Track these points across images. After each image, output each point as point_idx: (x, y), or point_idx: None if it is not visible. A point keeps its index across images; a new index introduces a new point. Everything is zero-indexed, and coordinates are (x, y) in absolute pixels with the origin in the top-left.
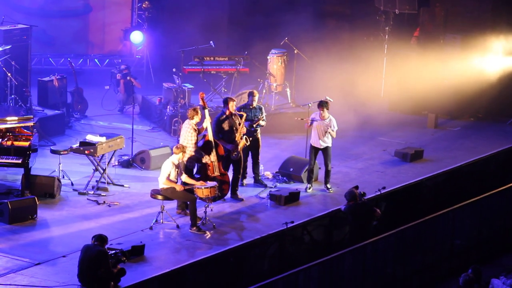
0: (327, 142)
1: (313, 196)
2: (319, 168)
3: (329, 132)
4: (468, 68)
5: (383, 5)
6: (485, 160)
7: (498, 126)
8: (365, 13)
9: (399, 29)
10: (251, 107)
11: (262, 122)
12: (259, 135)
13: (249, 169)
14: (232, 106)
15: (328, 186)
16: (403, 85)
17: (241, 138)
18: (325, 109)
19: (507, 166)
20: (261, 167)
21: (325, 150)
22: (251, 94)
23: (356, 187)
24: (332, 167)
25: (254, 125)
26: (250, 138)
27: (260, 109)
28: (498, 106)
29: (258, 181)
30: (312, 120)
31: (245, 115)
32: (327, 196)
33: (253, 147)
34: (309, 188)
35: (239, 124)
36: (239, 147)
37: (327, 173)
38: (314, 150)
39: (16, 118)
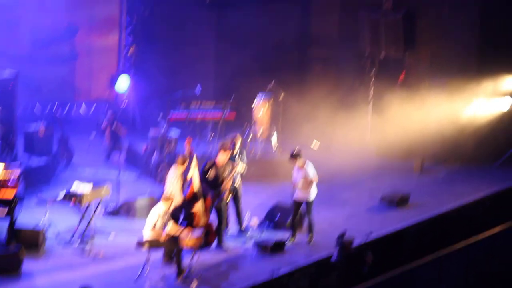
0: (309, 196)
1: (299, 245)
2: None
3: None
4: (454, 112)
5: (369, 49)
6: (471, 205)
7: (485, 170)
8: (350, 57)
9: (385, 73)
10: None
11: (238, 168)
12: (239, 184)
13: (233, 218)
14: (222, 156)
15: (309, 237)
16: (389, 130)
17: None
18: (297, 160)
19: (494, 211)
20: (247, 214)
21: (308, 203)
22: (233, 142)
23: (343, 234)
24: (318, 212)
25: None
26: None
27: (241, 153)
28: (484, 150)
29: (243, 231)
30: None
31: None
32: (313, 244)
33: (234, 196)
34: (291, 240)
35: (229, 172)
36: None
37: (310, 226)
38: (297, 205)
39: (1, 166)
